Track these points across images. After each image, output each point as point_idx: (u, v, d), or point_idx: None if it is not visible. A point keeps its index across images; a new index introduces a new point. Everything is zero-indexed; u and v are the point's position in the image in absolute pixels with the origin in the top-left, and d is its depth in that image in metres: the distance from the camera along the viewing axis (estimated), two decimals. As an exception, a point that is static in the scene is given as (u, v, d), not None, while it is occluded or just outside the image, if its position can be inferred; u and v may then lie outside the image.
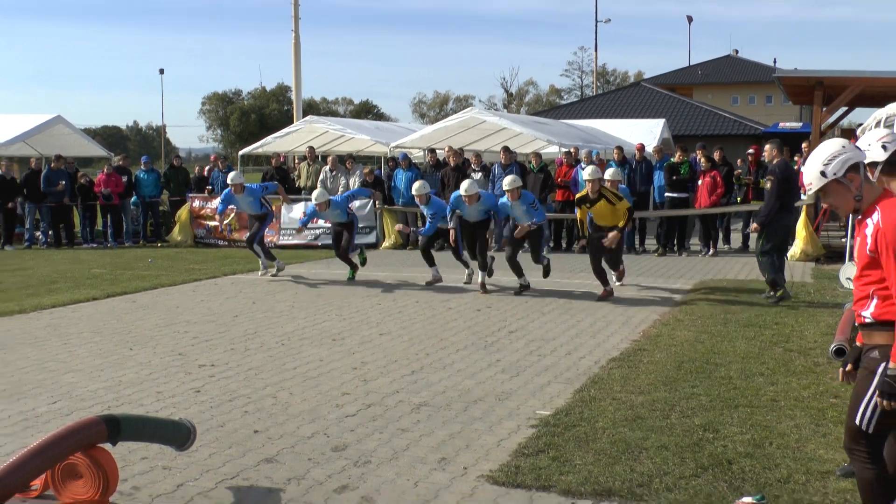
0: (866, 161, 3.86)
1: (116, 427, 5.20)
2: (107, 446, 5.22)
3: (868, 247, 4.38)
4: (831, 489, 5.57)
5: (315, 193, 15.42)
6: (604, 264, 13.43)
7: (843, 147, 4.47)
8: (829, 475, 5.79)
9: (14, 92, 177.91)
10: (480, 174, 20.83)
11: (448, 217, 14.18)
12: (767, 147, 13.70)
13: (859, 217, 4.52)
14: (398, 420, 7.22)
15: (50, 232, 22.67)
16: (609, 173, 15.22)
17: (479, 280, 14.01)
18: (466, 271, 14.75)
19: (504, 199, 13.74)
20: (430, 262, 14.73)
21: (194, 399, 7.88)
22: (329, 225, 17.63)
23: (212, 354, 9.70)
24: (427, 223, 14.75)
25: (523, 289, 13.82)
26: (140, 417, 5.84)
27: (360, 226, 17.90)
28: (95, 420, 5.18)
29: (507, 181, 13.61)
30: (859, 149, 4.48)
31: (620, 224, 12.94)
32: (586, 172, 13.15)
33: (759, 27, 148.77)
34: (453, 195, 14.09)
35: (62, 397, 7.94)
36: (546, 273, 14.35)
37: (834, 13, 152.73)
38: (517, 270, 13.76)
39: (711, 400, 7.61)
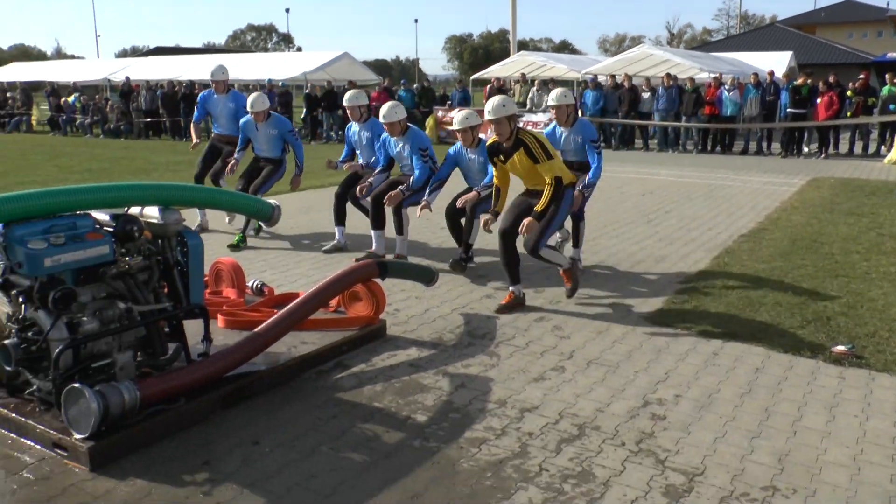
0: None
1: (385, 268, 5.39)
2: (379, 281, 5.41)
3: None
4: (911, 343, 5.13)
5: (252, 98, 8.16)
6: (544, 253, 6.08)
7: None
8: (910, 332, 5.33)
9: (316, 38, 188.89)
10: (649, 93, 19.87)
11: (379, 155, 7.64)
12: None
13: None
14: (581, 275, 7.13)
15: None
16: (554, 97, 6.89)
17: (396, 251, 7.39)
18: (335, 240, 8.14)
19: (456, 146, 7.12)
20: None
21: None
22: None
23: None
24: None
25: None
26: (401, 262, 6.01)
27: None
28: (372, 262, 5.38)
29: (458, 117, 6.89)
30: None
31: (539, 208, 5.71)
32: (488, 104, 5.74)
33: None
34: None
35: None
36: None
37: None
38: (460, 238, 7.18)
39: (817, 270, 7.10)
